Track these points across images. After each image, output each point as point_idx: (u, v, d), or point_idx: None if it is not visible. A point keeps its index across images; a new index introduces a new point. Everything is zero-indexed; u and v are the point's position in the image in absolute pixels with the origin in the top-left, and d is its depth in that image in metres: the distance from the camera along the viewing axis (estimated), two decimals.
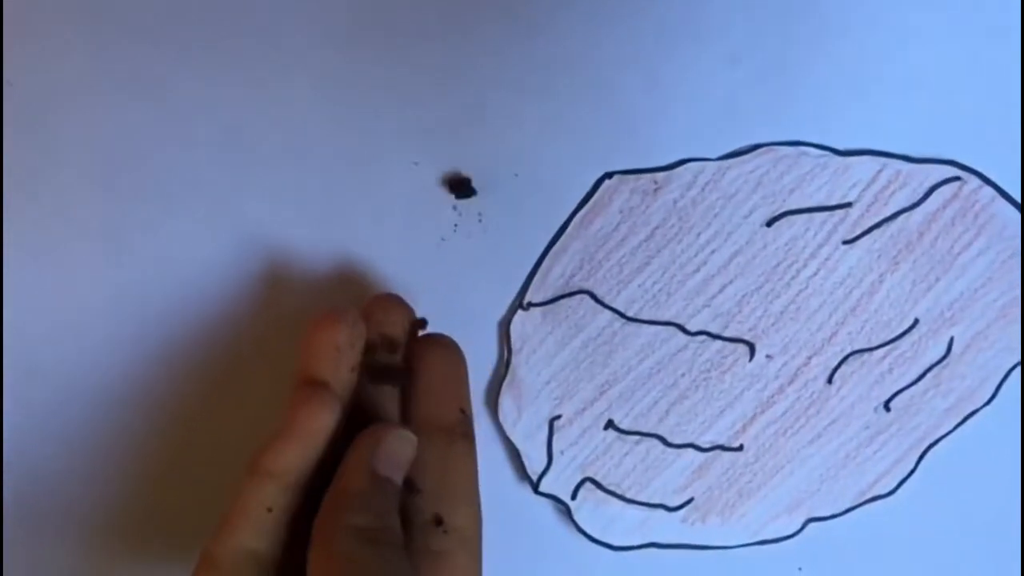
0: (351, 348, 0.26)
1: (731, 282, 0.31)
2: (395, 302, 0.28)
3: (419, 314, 0.30)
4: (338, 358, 0.25)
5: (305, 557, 0.24)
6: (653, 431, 0.32)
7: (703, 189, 0.30)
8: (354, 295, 0.29)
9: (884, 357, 0.32)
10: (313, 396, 0.25)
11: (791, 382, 0.32)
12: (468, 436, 0.27)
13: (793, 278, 0.31)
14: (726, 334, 0.31)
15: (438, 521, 0.25)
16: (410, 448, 0.25)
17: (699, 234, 0.30)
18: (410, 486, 0.25)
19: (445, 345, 0.28)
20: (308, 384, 0.25)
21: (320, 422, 0.25)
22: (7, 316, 0.29)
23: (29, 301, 0.29)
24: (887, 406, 0.32)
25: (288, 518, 0.25)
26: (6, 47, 0.27)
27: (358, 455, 0.25)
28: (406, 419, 0.27)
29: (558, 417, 0.32)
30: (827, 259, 0.31)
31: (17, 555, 0.31)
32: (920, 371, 0.32)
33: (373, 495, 0.24)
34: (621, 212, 0.30)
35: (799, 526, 0.33)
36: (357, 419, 0.26)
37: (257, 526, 0.24)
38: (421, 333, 0.28)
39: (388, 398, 0.27)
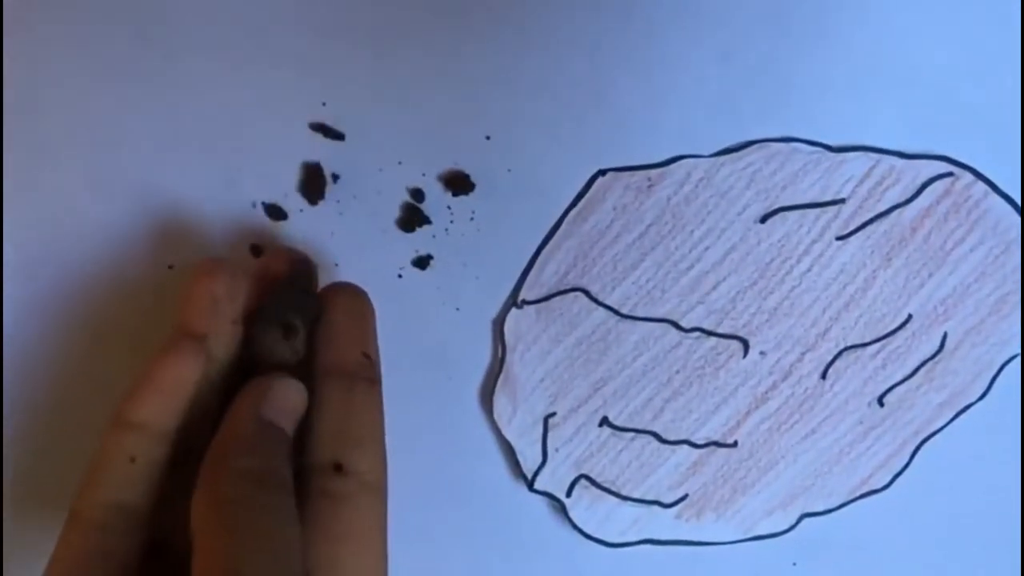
0: (231, 300, 0.25)
1: (725, 279, 0.31)
2: (287, 253, 0.27)
3: (409, 319, 0.30)
4: (215, 309, 0.25)
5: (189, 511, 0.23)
6: (648, 428, 0.32)
7: (696, 186, 0.30)
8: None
9: (878, 353, 0.32)
10: (174, 346, 0.24)
11: (785, 378, 0.32)
12: (372, 380, 0.26)
13: (787, 274, 0.31)
14: (720, 331, 0.31)
15: (337, 466, 0.24)
16: (298, 396, 0.24)
17: (692, 231, 0.30)
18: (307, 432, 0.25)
19: (349, 291, 0.27)
20: (177, 335, 0.25)
21: (180, 372, 0.24)
22: None
23: None
24: (881, 401, 0.32)
25: (159, 470, 0.24)
26: None
27: (245, 401, 0.24)
28: (311, 367, 0.26)
29: (553, 415, 0.32)
30: (820, 255, 0.31)
31: None
32: (914, 366, 0.32)
33: (259, 439, 0.23)
34: (615, 209, 0.30)
35: (793, 521, 0.33)
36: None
37: (121, 477, 0.24)
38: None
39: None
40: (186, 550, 0.22)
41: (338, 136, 0.28)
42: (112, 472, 0.24)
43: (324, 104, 0.28)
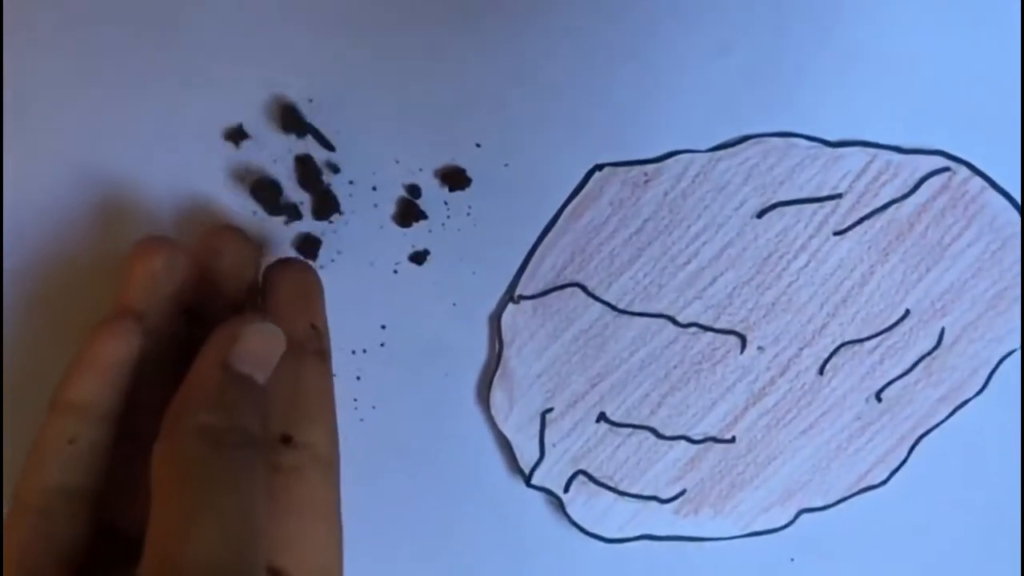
0: (169, 276, 0.25)
1: (722, 274, 0.31)
2: (231, 232, 0.26)
3: (405, 314, 0.30)
4: (153, 286, 0.24)
5: (146, 500, 0.22)
6: (645, 423, 0.32)
7: (693, 181, 0.30)
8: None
9: (875, 348, 0.32)
10: (108, 325, 0.24)
11: (783, 373, 0.32)
12: (320, 353, 0.26)
13: (784, 269, 0.31)
14: (717, 326, 0.31)
15: (286, 439, 0.24)
16: (273, 340, 0.23)
17: (690, 226, 0.30)
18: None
19: (295, 266, 0.27)
20: (112, 312, 0.24)
21: (115, 350, 0.24)
22: None
23: None
24: (879, 397, 0.32)
25: (101, 452, 0.24)
26: None
27: (211, 350, 0.23)
28: None
29: (550, 410, 0.32)
30: (818, 250, 0.31)
31: None
32: (911, 362, 0.32)
33: (225, 391, 0.22)
34: (611, 204, 0.30)
35: (791, 517, 0.33)
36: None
37: (61, 460, 0.23)
38: None
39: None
40: (138, 532, 0.21)
41: (328, 147, 0.28)
42: (52, 455, 0.23)
43: (311, 100, 0.28)
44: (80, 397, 0.23)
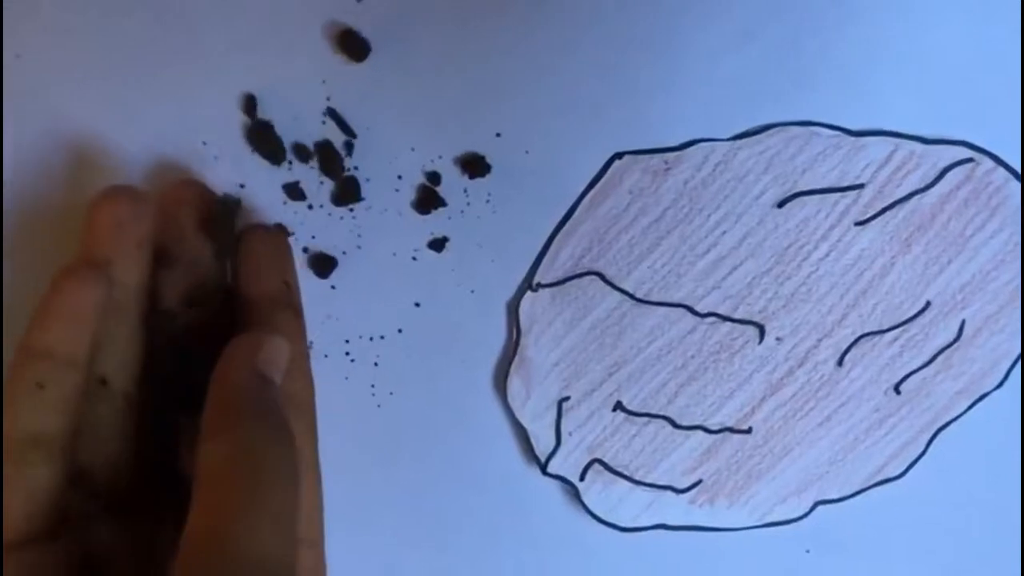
0: (135, 223, 0.25)
1: (741, 264, 0.30)
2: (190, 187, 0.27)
3: (424, 301, 0.30)
4: (119, 234, 0.25)
5: (118, 447, 0.23)
6: (662, 413, 0.32)
7: (714, 170, 0.29)
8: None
9: (895, 340, 0.32)
10: (73, 271, 0.24)
11: (801, 364, 0.32)
12: (293, 307, 0.27)
13: (804, 260, 0.31)
14: (736, 316, 0.31)
15: None
16: (286, 351, 0.25)
17: (709, 215, 0.30)
18: None
19: (266, 227, 0.28)
20: (77, 259, 0.24)
21: (80, 297, 0.24)
22: None
23: None
24: (897, 389, 0.32)
25: (71, 398, 0.24)
26: None
27: (239, 354, 0.24)
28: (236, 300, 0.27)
29: (567, 398, 0.32)
30: (838, 241, 0.30)
31: None
32: (931, 354, 0.32)
33: (263, 392, 0.23)
34: (631, 193, 0.29)
35: (807, 508, 0.33)
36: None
37: (30, 405, 0.23)
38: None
39: None
40: (111, 479, 0.22)
41: (350, 133, 0.28)
42: (20, 401, 0.23)
43: (327, 90, 0.28)
44: (47, 343, 0.23)
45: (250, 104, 0.28)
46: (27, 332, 0.24)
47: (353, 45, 0.27)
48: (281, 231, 0.29)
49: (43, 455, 0.23)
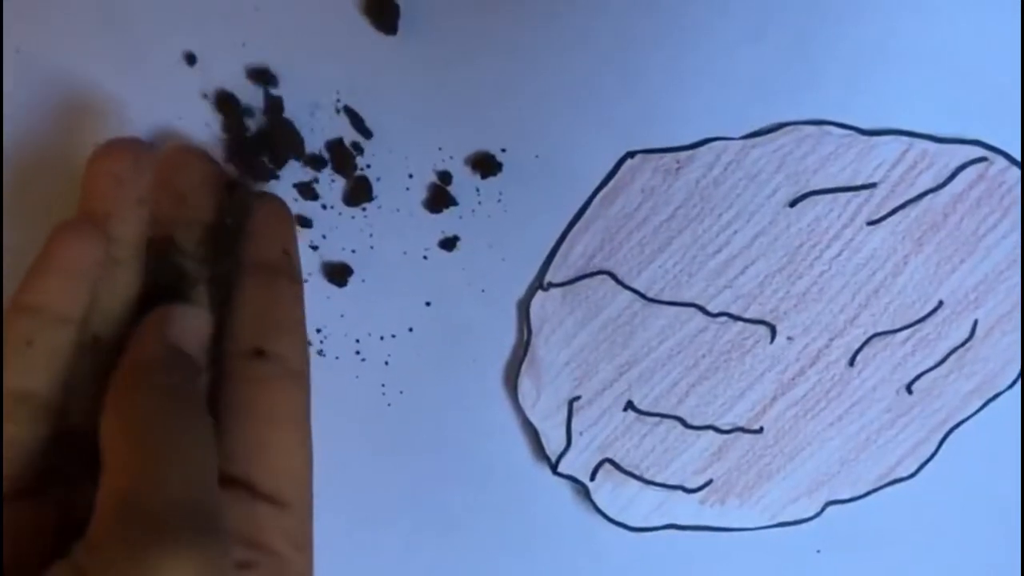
0: (135, 179, 0.24)
1: (753, 263, 0.30)
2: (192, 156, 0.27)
3: (434, 300, 0.30)
4: (119, 189, 0.24)
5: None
6: (673, 412, 0.32)
7: (726, 169, 0.29)
8: None
9: (907, 339, 0.31)
10: (69, 227, 0.23)
11: (812, 364, 0.32)
12: (293, 276, 0.27)
13: (816, 259, 0.30)
14: (747, 315, 0.31)
15: (258, 351, 0.25)
16: (198, 321, 0.25)
17: (721, 214, 0.30)
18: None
19: (267, 196, 0.28)
20: (76, 215, 0.24)
21: (77, 252, 0.23)
22: None
23: None
24: (909, 389, 0.32)
25: (61, 356, 0.23)
26: None
27: (148, 326, 0.24)
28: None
29: (577, 398, 0.31)
30: (851, 240, 0.30)
31: None
32: (943, 354, 0.32)
33: (169, 360, 0.23)
34: (643, 192, 0.29)
35: (819, 509, 0.33)
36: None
37: (19, 364, 0.23)
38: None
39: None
40: (98, 440, 0.22)
41: (366, 133, 0.28)
42: (9, 357, 0.23)
43: (346, 87, 0.28)
44: (40, 300, 0.23)
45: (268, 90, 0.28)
46: (20, 288, 0.23)
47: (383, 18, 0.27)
48: (281, 200, 0.28)
49: (29, 413, 0.23)
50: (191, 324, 0.24)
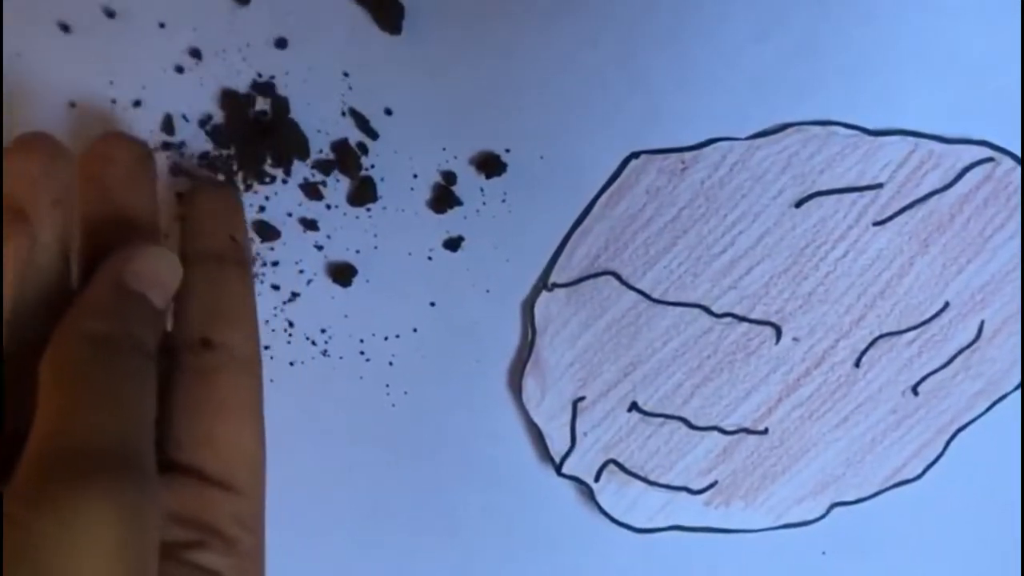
0: (49, 179, 0.23)
1: (758, 264, 0.30)
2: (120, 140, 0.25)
3: (439, 300, 0.29)
4: (32, 190, 0.23)
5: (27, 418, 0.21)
6: (677, 413, 0.32)
7: (731, 169, 0.29)
8: None
9: (913, 340, 0.31)
10: None
11: (818, 365, 0.32)
12: (241, 263, 0.26)
13: (821, 260, 0.30)
14: (752, 316, 0.31)
15: (205, 341, 0.24)
16: (166, 265, 0.23)
17: (726, 215, 0.30)
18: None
19: (214, 183, 0.27)
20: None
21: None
22: None
23: None
24: (915, 390, 0.32)
25: None
26: None
27: (104, 267, 0.23)
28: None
29: (582, 399, 0.31)
30: (856, 241, 0.30)
31: None
32: (950, 355, 0.32)
33: (117, 303, 0.22)
34: (647, 192, 0.29)
35: (824, 510, 0.33)
36: None
37: None
38: None
39: None
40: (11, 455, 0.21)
41: (372, 134, 0.28)
42: None
43: (350, 88, 0.28)
44: None
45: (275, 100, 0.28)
46: None
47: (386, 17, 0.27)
48: (229, 187, 0.28)
49: None
50: (155, 268, 0.23)
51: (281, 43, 0.28)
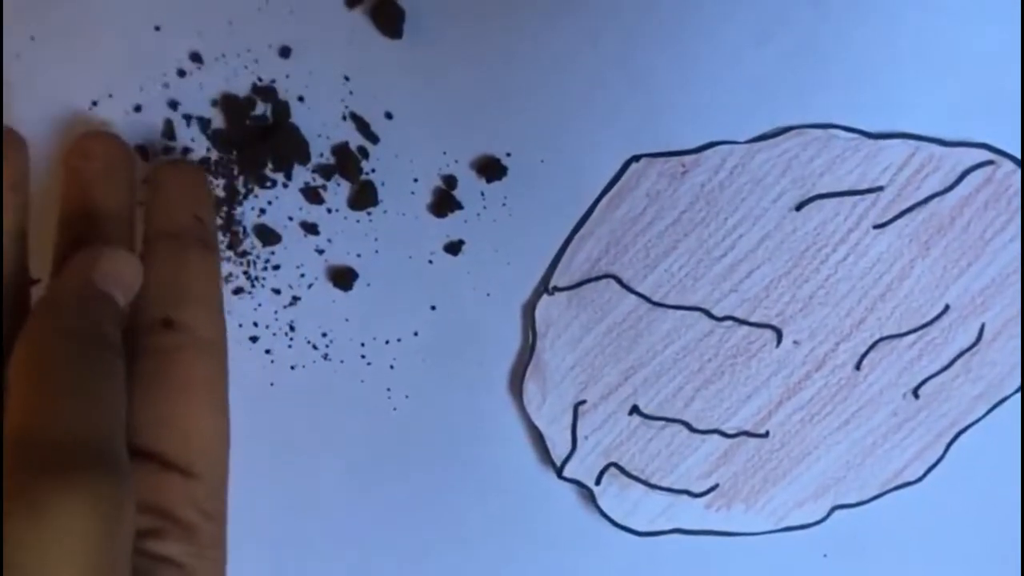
0: (6, 165, 0.24)
1: (759, 267, 0.30)
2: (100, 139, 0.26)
3: (440, 304, 0.29)
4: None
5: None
6: (678, 417, 0.32)
7: (731, 172, 0.29)
8: None
9: (914, 343, 0.31)
10: None
11: (818, 368, 0.32)
12: (205, 242, 0.26)
13: (822, 263, 0.30)
14: (753, 319, 0.31)
15: (166, 322, 0.24)
16: (129, 267, 0.24)
17: (727, 218, 0.30)
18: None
19: (180, 163, 0.27)
20: None
21: None
22: None
23: None
24: (916, 393, 0.32)
25: None
26: None
27: (73, 266, 0.23)
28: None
29: (583, 402, 0.31)
30: (857, 244, 0.30)
31: None
32: (950, 357, 0.32)
33: (88, 302, 0.23)
34: (648, 196, 0.29)
35: (825, 513, 0.33)
36: None
37: None
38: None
39: None
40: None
41: (373, 139, 0.28)
42: None
43: (351, 93, 0.28)
44: None
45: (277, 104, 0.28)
46: None
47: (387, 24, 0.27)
48: (195, 167, 0.27)
49: None
50: (120, 270, 0.24)
51: (282, 47, 0.28)
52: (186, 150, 0.28)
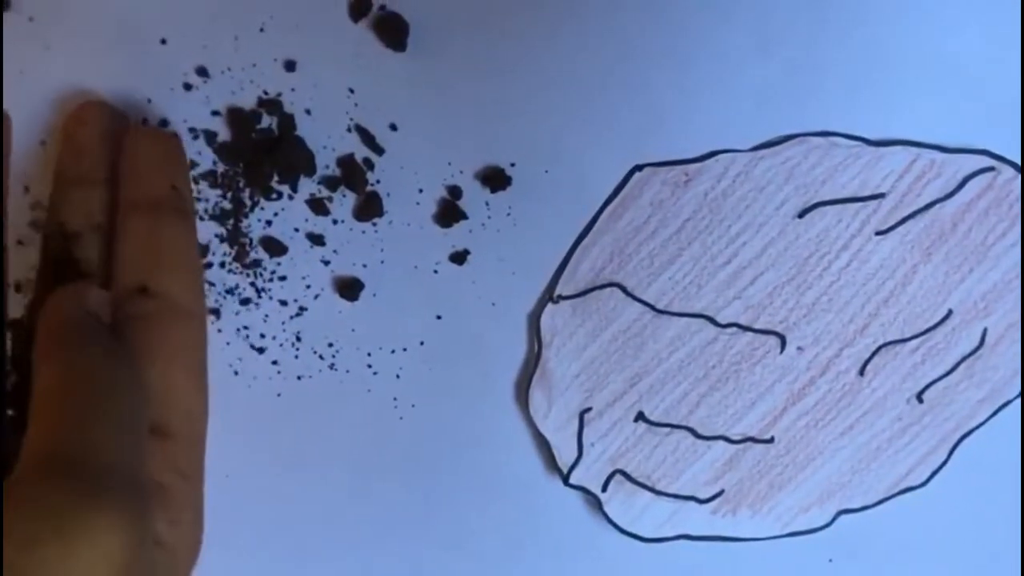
0: None
1: (762, 274, 0.31)
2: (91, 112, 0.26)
3: (445, 313, 0.30)
4: None
5: None
6: (683, 423, 0.32)
7: (734, 181, 0.29)
8: None
9: (917, 348, 0.31)
10: None
11: (822, 374, 0.32)
12: (181, 211, 0.26)
13: (825, 269, 0.31)
14: (757, 326, 0.31)
15: (143, 290, 0.24)
16: (104, 302, 0.24)
17: (730, 226, 0.30)
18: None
19: (155, 131, 0.27)
20: None
21: None
22: None
23: None
24: (920, 397, 0.32)
25: None
26: None
27: (65, 296, 0.24)
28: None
29: (588, 409, 0.32)
30: (859, 250, 0.30)
31: None
32: (953, 362, 0.32)
33: (90, 323, 0.23)
34: (651, 204, 0.30)
35: (830, 518, 0.33)
36: None
37: None
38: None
39: None
40: None
41: (378, 150, 0.29)
42: None
43: (356, 105, 0.28)
44: None
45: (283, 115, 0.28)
46: None
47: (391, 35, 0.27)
48: (171, 135, 0.27)
49: None
50: (98, 303, 0.24)
51: (287, 61, 0.28)
52: (193, 163, 0.28)
